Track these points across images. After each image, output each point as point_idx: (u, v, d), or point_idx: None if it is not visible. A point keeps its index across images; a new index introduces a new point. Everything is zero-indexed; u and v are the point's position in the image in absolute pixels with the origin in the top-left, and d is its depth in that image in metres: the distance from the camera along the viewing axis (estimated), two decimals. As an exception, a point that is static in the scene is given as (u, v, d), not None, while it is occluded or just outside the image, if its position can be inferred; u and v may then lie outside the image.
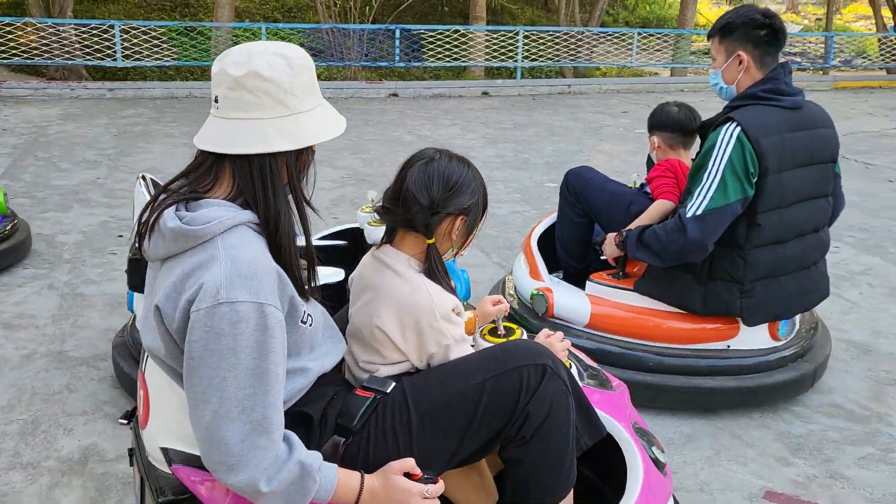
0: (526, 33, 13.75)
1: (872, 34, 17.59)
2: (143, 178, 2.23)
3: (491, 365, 1.54)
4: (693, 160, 2.77)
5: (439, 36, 13.36)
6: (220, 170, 1.41)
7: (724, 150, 2.54)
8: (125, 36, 11.85)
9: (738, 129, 2.54)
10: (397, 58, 12.97)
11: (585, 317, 2.94)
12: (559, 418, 1.53)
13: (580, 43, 14.07)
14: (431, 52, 13.37)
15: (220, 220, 1.34)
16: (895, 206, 5.88)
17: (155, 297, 1.37)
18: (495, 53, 13.86)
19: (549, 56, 13.99)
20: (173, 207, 1.38)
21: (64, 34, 11.65)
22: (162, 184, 1.51)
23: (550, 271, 3.18)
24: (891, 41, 15.74)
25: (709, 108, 12.49)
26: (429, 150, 1.69)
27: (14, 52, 11.54)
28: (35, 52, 11.67)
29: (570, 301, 2.98)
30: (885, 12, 16.57)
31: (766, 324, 2.80)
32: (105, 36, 11.66)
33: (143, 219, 1.42)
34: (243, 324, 1.28)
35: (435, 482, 1.46)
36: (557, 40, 13.98)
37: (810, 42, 17.00)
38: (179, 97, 11.10)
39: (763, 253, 2.66)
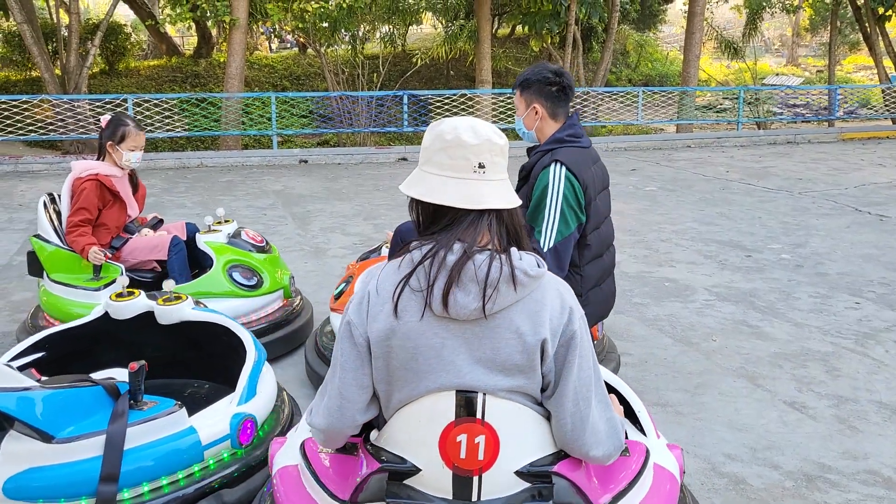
0: (532, 94, 13.91)
1: (875, 85, 17.74)
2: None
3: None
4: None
5: (446, 100, 13.57)
6: (486, 223, 1.61)
7: (558, 188, 2.91)
8: (137, 109, 12.10)
9: (564, 168, 2.91)
10: (406, 122, 13.14)
11: None
12: None
13: (586, 102, 14.25)
14: (439, 116, 13.51)
15: (540, 260, 1.61)
16: (913, 259, 5.80)
17: (503, 342, 1.57)
18: (502, 115, 14.05)
19: (556, 116, 14.11)
20: (508, 260, 1.58)
21: (79, 109, 11.90)
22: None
23: None
24: (894, 91, 15.86)
25: (715, 162, 12.29)
26: None
27: (31, 127, 11.79)
28: (51, 127, 11.92)
29: None
30: (887, 62, 16.74)
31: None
32: (119, 110, 11.91)
33: (460, 278, 1.54)
34: (587, 328, 1.65)
35: None
36: (563, 100, 14.14)
37: (813, 94, 17.16)
38: (191, 167, 11.24)
39: (592, 266, 3.09)
